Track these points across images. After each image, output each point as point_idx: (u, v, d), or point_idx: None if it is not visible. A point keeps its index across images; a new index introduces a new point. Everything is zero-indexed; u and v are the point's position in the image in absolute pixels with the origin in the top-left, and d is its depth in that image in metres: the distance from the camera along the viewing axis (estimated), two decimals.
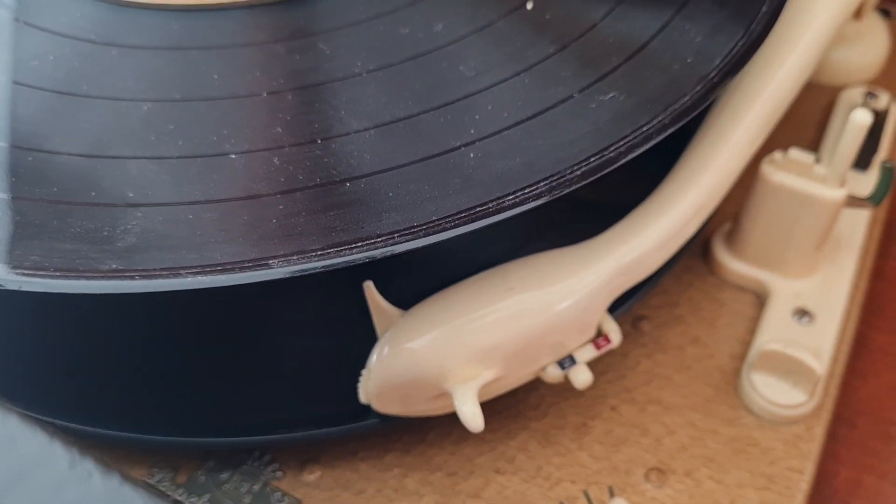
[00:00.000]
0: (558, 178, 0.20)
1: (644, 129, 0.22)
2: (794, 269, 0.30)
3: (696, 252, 0.32)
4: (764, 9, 0.25)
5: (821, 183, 0.28)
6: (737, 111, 0.26)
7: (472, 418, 0.22)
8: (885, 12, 0.41)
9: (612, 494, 0.26)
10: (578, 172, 0.21)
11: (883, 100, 0.36)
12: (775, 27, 0.25)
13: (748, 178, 0.29)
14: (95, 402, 0.26)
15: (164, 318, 0.22)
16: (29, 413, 0.18)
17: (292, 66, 0.24)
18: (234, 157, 0.21)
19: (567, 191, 0.20)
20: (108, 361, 0.23)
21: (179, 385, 0.25)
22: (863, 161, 0.34)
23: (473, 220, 0.19)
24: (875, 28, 0.38)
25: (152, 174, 0.21)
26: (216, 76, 0.24)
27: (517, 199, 0.20)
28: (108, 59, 0.24)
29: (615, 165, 0.21)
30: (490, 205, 0.20)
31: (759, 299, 0.31)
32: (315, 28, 0.25)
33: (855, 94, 0.36)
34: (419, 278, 0.24)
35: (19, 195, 0.21)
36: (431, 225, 0.19)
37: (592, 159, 0.21)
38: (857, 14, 0.34)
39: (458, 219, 0.20)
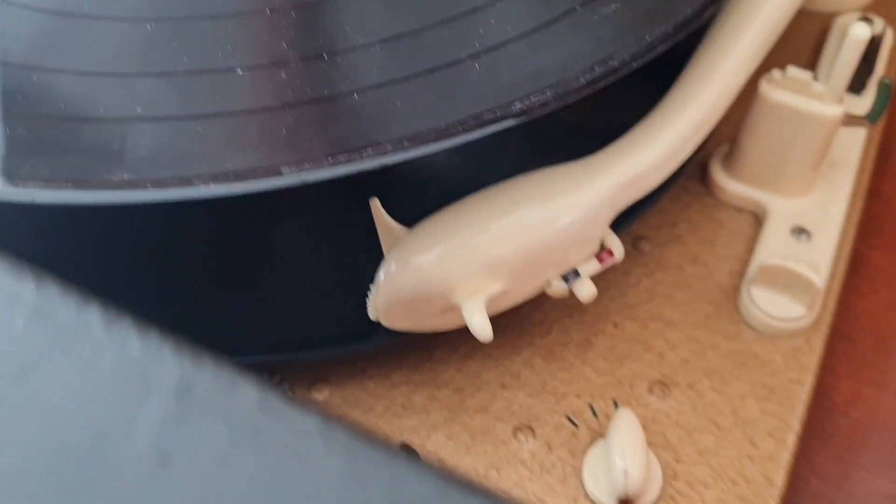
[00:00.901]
0: (563, 86, 0.21)
1: (647, 38, 0.22)
2: (792, 188, 0.30)
3: (695, 174, 0.32)
4: None
5: (819, 100, 0.28)
6: (736, 28, 0.26)
7: (482, 329, 0.23)
8: None
9: (616, 406, 0.27)
10: (583, 81, 0.21)
11: (878, 25, 0.36)
12: None
13: (745, 100, 0.29)
14: None
15: (174, 232, 0.23)
16: None
17: None
18: (240, 72, 0.22)
19: (573, 99, 0.21)
20: (118, 274, 0.24)
21: (189, 302, 0.25)
22: (858, 84, 0.34)
23: (482, 126, 0.20)
24: None
25: (159, 90, 0.21)
26: None
27: (524, 107, 0.20)
28: None
29: (619, 75, 0.21)
30: (497, 110, 0.20)
31: (757, 219, 0.31)
32: None
33: (850, 19, 0.36)
34: (425, 196, 0.24)
35: (26, 113, 0.21)
36: (440, 131, 0.20)
37: (597, 68, 0.21)
38: None
39: (465, 125, 0.20)
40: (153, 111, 0.21)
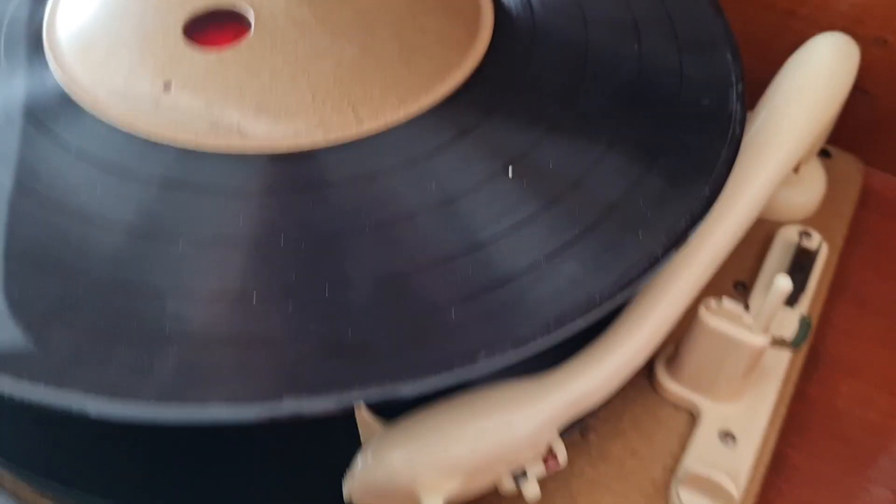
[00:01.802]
0: (523, 340, 0.25)
1: (597, 297, 0.26)
2: (723, 394, 0.35)
3: (643, 371, 0.37)
4: (706, 193, 0.30)
5: (748, 330, 0.32)
6: (677, 269, 0.31)
7: None
8: (824, 153, 0.46)
9: None
10: (539, 338, 0.25)
11: (815, 240, 0.41)
12: (712, 210, 0.30)
13: (690, 312, 0.33)
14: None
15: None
16: None
17: (304, 216, 0.28)
18: (255, 303, 0.26)
19: (526, 351, 0.25)
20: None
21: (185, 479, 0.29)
22: (792, 298, 0.39)
23: (451, 370, 0.24)
24: (814, 171, 0.43)
25: (185, 310, 0.26)
26: (241, 219, 0.28)
27: (489, 358, 0.24)
28: (147, 196, 0.29)
29: (569, 328, 0.25)
30: (465, 363, 0.24)
31: (693, 418, 0.35)
32: (329, 177, 0.29)
33: (791, 231, 0.41)
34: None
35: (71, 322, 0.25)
36: (418, 371, 0.24)
37: (551, 322, 0.25)
38: (796, 169, 0.39)
39: (437, 370, 0.24)
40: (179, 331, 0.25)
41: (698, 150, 0.31)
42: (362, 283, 0.26)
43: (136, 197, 0.28)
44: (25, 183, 0.29)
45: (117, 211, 0.28)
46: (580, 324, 0.26)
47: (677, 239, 0.28)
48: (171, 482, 0.31)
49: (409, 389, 0.24)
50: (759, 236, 0.42)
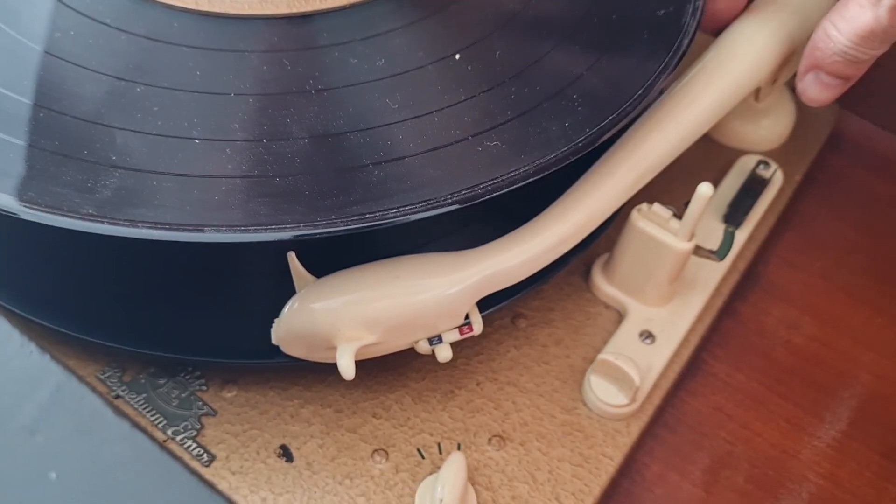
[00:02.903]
0: (433, 204, 0.27)
1: (512, 173, 0.28)
2: (650, 298, 0.37)
3: (581, 271, 0.39)
4: (639, 94, 0.31)
5: (673, 234, 0.34)
6: (609, 169, 0.33)
7: (346, 370, 0.29)
8: None
9: (459, 448, 0.33)
10: (449, 201, 0.27)
11: (770, 170, 0.42)
12: (652, 116, 0.31)
13: (624, 220, 0.35)
14: (72, 308, 0.33)
15: (128, 252, 0.29)
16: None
17: (259, 75, 0.30)
18: (197, 142, 0.28)
19: (434, 213, 0.27)
20: (82, 277, 0.30)
21: (135, 304, 0.32)
22: (736, 220, 0.40)
23: (361, 224, 0.26)
24: (784, 105, 0.44)
25: (133, 144, 0.28)
26: (199, 73, 0.30)
27: (398, 214, 0.27)
28: (116, 42, 0.31)
29: (477, 201, 0.27)
30: (377, 214, 0.27)
31: (621, 318, 0.37)
32: (284, 45, 0.31)
33: (749, 160, 0.43)
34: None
35: (31, 143, 0.28)
36: (328, 224, 0.26)
37: (464, 192, 0.28)
38: (756, 97, 0.41)
39: (349, 221, 0.26)
40: (124, 161, 0.28)
41: (642, 56, 0.33)
42: (298, 137, 0.29)
43: (107, 44, 0.31)
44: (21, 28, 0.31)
45: (91, 56, 0.31)
46: (488, 198, 0.28)
47: (601, 133, 0.30)
48: (123, 317, 0.34)
49: (320, 233, 0.26)
50: (721, 163, 0.43)
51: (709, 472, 0.35)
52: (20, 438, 0.26)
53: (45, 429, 0.26)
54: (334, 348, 0.31)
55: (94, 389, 0.32)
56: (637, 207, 0.35)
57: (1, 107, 0.29)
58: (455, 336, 0.32)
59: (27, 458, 0.26)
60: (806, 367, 0.39)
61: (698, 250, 0.35)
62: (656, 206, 0.35)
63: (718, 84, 0.35)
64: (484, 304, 0.32)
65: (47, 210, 0.26)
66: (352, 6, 0.32)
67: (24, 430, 0.24)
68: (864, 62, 0.34)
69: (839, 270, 0.42)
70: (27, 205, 0.26)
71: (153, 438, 0.33)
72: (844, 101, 0.47)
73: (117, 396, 0.33)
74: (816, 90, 0.36)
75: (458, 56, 0.32)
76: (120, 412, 0.33)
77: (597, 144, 0.30)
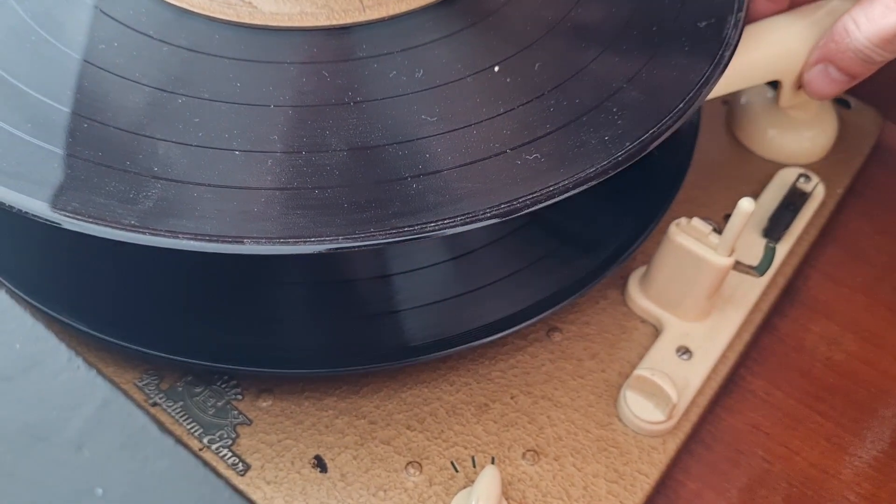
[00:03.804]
0: (471, 218, 0.27)
1: (551, 187, 0.28)
2: (687, 313, 0.36)
3: (617, 285, 0.38)
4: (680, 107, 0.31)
5: (713, 249, 0.34)
6: None
7: None
8: (844, 103, 0.47)
9: (493, 462, 0.33)
10: (488, 215, 0.27)
11: (812, 183, 0.42)
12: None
13: (661, 233, 0.35)
14: (112, 315, 0.33)
15: (168, 261, 0.29)
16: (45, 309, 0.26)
17: (298, 87, 0.30)
18: (237, 153, 0.28)
19: (472, 226, 0.27)
20: (124, 285, 0.31)
21: (174, 312, 0.32)
22: (776, 234, 0.40)
23: (400, 238, 0.26)
24: (826, 118, 0.44)
25: (174, 155, 0.28)
26: (239, 84, 0.30)
27: (436, 228, 0.27)
28: (158, 54, 0.31)
29: (516, 215, 0.27)
30: (415, 227, 0.27)
31: (657, 333, 0.37)
32: (323, 57, 0.31)
33: (790, 173, 0.42)
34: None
35: (75, 154, 0.28)
36: (367, 237, 0.26)
37: (503, 205, 0.27)
38: (778, 97, 0.40)
39: (388, 235, 0.26)
40: (165, 172, 0.28)
41: (683, 68, 0.32)
42: (336, 149, 0.29)
43: (149, 55, 0.31)
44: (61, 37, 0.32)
45: (133, 67, 0.31)
46: (527, 212, 0.28)
47: (642, 147, 0.30)
48: (164, 326, 0.34)
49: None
50: (760, 175, 0.43)
51: (746, 491, 0.35)
52: (67, 453, 0.27)
53: (91, 443, 0.26)
54: None
55: (130, 397, 0.33)
56: (676, 221, 0.35)
57: (46, 117, 0.29)
58: None
59: (74, 473, 0.27)
60: (847, 384, 0.38)
61: (738, 265, 0.35)
62: (696, 221, 0.34)
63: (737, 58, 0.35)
64: (519, 318, 0.32)
65: (90, 220, 0.26)
66: (391, 18, 0.32)
67: (72, 445, 0.25)
68: (877, 63, 0.34)
69: (882, 286, 0.41)
70: (70, 215, 0.26)
71: (188, 447, 0.33)
72: (889, 112, 0.46)
73: (155, 404, 0.33)
74: (822, 83, 0.36)
75: (497, 68, 0.32)
76: (164, 429, 0.33)
77: (637, 158, 0.30)
